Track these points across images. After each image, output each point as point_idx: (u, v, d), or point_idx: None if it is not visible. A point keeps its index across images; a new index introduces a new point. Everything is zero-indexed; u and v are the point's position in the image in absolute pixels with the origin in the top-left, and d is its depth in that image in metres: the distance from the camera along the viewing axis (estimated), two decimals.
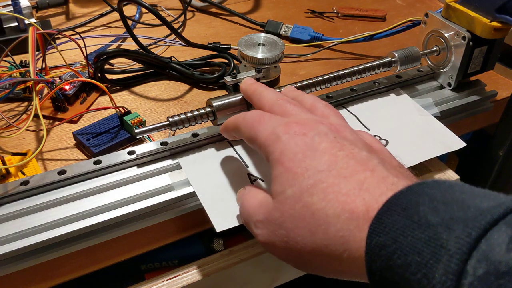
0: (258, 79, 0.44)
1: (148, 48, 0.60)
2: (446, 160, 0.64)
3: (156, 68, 0.55)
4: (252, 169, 0.42)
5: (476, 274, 0.20)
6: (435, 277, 0.21)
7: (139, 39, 0.56)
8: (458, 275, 0.21)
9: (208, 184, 0.40)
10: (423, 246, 0.22)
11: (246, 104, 0.43)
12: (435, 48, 0.53)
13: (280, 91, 0.41)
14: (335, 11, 0.71)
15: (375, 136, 0.46)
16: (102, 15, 0.67)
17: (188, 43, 0.57)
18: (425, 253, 0.22)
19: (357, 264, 0.26)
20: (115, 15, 0.67)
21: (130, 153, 0.42)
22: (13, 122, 0.44)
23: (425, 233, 0.23)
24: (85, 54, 0.50)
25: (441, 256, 0.21)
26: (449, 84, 0.53)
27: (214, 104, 0.42)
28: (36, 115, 0.44)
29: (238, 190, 0.37)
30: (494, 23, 0.47)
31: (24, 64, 0.52)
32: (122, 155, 0.42)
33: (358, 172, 0.28)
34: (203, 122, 0.43)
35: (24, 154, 0.44)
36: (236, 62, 0.57)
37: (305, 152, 0.30)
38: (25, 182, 0.39)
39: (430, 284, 0.21)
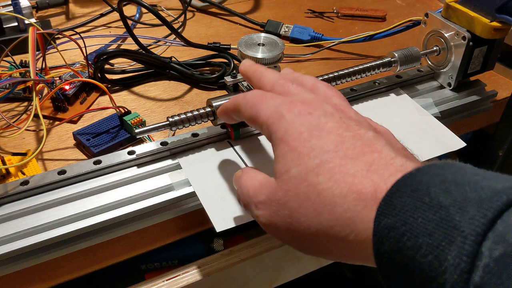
0: None
1: (148, 48, 0.60)
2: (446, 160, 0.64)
3: (156, 68, 0.55)
4: None
5: (492, 256, 0.20)
6: (447, 259, 0.21)
7: (139, 39, 0.56)
8: (472, 256, 0.20)
9: (208, 184, 0.40)
10: (434, 227, 0.22)
11: None
12: (435, 48, 0.52)
13: None
14: (335, 11, 0.71)
15: None
16: (102, 15, 0.67)
17: (188, 43, 0.57)
18: (436, 235, 0.21)
19: (363, 246, 0.25)
20: (115, 15, 0.67)
21: (130, 153, 0.42)
22: (13, 122, 0.44)
23: (437, 215, 0.22)
24: (85, 54, 0.50)
25: (454, 237, 0.21)
26: (449, 84, 0.53)
27: (214, 104, 0.42)
28: (36, 115, 0.44)
29: (235, 173, 0.35)
30: (494, 23, 0.47)
31: (24, 64, 0.52)
32: (122, 155, 0.42)
33: (365, 153, 0.28)
34: (203, 122, 0.43)
35: (24, 154, 0.44)
36: (236, 62, 0.57)
37: (311, 131, 0.29)
38: (25, 182, 0.39)
39: (442, 267, 0.21)
